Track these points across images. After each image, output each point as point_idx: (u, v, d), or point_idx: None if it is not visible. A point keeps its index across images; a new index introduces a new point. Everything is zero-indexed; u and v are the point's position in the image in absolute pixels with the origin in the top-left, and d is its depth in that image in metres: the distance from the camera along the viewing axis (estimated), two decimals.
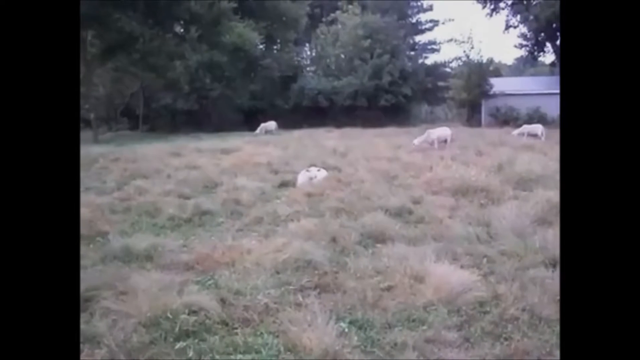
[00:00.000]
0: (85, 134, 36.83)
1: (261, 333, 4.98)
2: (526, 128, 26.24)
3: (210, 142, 26.19)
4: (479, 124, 40.71)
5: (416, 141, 21.34)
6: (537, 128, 25.73)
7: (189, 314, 5.19)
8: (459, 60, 46.92)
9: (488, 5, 50.19)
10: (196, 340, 4.85)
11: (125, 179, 14.75)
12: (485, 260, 6.95)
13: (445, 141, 21.83)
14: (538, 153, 17.93)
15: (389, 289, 6.01)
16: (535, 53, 51.89)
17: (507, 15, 50.03)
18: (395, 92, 44.03)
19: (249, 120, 38.45)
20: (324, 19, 50.65)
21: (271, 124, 34.28)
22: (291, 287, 6.05)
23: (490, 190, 11.12)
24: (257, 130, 33.33)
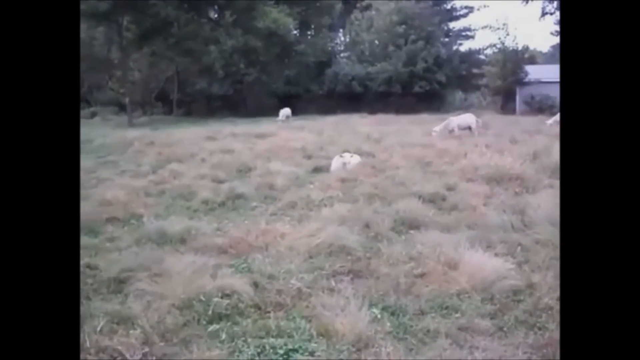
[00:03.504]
0: (120, 118, 37.55)
1: (293, 317, 5.00)
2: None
3: (244, 127, 26.29)
4: (513, 111, 40.16)
5: (437, 129, 20.27)
6: None
7: (222, 297, 5.24)
8: (494, 48, 46.21)
9: None
10: (229, 323, 4.89)
11: (161, 163, 14.94)
12: (519, 248, 6.84)
13: (469, 128, 20.81)
14: None
15: (422, 275, 5.97)
16: None
17: (544, 2, 49.04)
18: (429, 78, 43.58)
19: (283, 106, 38.37)
20: (358, 5, 50.32)
21: (287, 110, 34.20)
22: (324, 272, 6.07)
23: (525, 179, 10.94)
24: (280, 117, 33.23)
